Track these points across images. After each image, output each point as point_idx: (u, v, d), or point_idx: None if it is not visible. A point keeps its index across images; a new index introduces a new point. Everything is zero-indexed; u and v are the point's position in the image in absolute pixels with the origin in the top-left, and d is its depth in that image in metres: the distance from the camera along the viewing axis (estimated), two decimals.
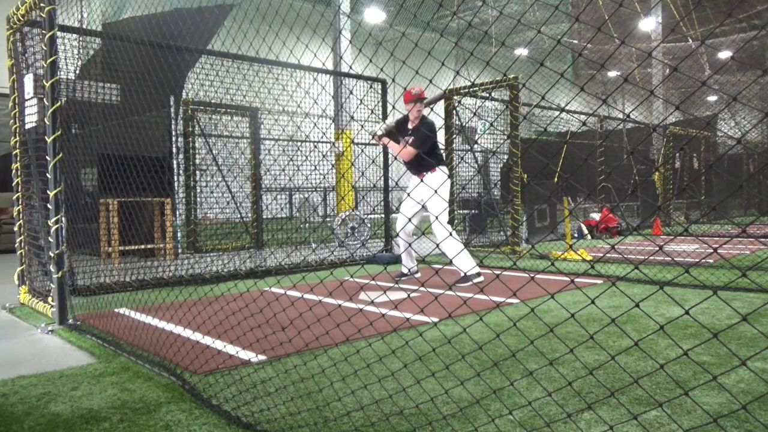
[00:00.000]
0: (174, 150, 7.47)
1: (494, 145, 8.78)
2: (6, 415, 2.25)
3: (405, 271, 5.42)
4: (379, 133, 5.22)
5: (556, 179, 9.40)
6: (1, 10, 6.16)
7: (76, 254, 4.71)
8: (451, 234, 2.91)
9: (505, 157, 8.52)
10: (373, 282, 5.06)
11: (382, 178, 7.54)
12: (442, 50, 2.10)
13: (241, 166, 8.68)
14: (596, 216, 9.96)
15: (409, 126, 5.20)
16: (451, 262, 4.80)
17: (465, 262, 4.97)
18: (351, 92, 3.43)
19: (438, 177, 5.06)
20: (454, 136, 8.20)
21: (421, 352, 2.74)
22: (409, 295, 2.24)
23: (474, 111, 8.35)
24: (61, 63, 4.99)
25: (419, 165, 5.10)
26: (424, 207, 5.03)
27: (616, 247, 7.70)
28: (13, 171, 4.64)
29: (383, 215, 7.68)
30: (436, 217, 4.83)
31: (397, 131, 5.26)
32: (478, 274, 5.05)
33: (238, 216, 8.72)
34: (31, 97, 4.21)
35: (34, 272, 4.64)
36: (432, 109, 5.17)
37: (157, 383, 2.58)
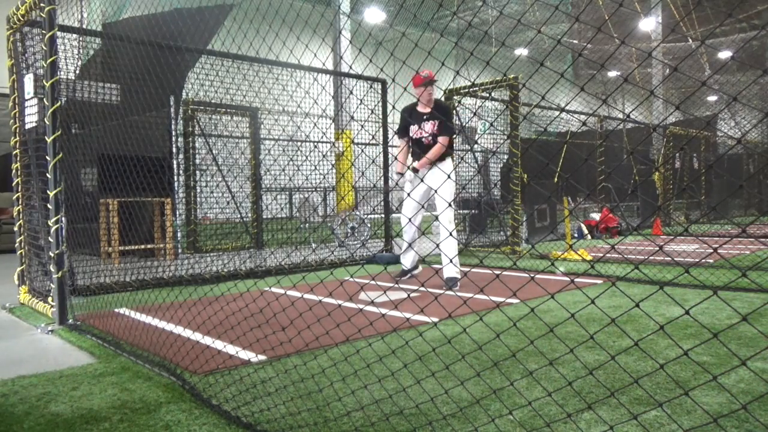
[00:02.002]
0: (174, 150, 7.47)
1: (494, 145, 8.78)
2: (6, 415, 2.25)
3: (405, 269, 5.42)
4: (415, 165, 5.08)
5: (556, 179, 9.40)
6: (1, 10, 6.16)
7: (76, 254, 4.71)
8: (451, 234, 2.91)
9: (505, 157, 8.51)
10: (373, 282, 5.06)
11: (382, 178, 7.54)
12: (442, 50, 2.10)
13: (242, 166, 8.68)
14: (596, 216, 9.96)
15: (420, 109, 5.06)
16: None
17: (453, 268, 4.95)
18: (351, 92, 3.43)
19: (449, 165, 5.04)
20: (454, 136, 8.19)
21: (421, 352, 2.74)
22: (409, 295, 2.24)
23: (474, 111, 8.35)
24: (61, 63, 5.00)
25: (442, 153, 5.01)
26: (427, 200, 5.03)
27: (616, 247, 7.70)
28: (13, 171, 4.64)
29: (383, 215, 7.68)
30: (436, 219, 4.82)
31: (408, 119, 5.13)
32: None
33: (238, 216, 8.72)
34: (31, 97, 4.21)
35: (34, 272, 4.64)
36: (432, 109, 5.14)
37: (157, 383, 2.58)
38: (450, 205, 4.25)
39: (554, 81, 1.68)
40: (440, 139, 4.99)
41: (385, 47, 2.20)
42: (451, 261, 2.78)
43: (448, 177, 4.32)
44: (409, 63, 1.92)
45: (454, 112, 8.16)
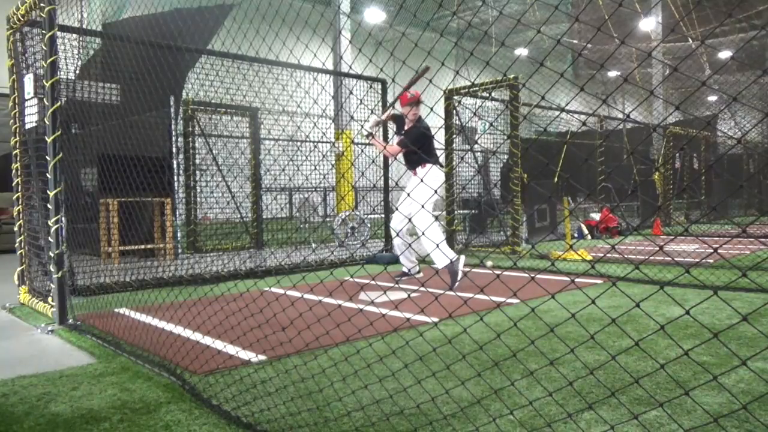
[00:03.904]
0: (174, 150, 7.46)
1: (494, 145, 8.78)
2: (6, 415, 2.25)
3: (405, 270, 5.44)
4: (370, 130, 5.39)
5: (555, 179, 9.40)
6: (1, 10, 6.16)
7: (76, 254, 4.70)
8: (422, 234, 2.94)
9: (505, 157, 8.51)
10: (373, 282, 5.05)
11: (382, 178, 7.54)
12: (442, 50, 2.10)
13: (241, 166, 8.67)
14: (596, 216, 9.96)
15: (405, 127, 5.36)
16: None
17: (441, 257, 4.96)
18: (351, 92, 3.44)
19: (426, 171, 5.12)
20: (454, 136, 8.19)
21: (422, 352, 2.73)
22: (409, 295, 2.24)
23: (474, 111, 8.35)
24: (61, 63, 4.99)
25: (410, 162, 5.28)
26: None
27: (616, 247, 7.68)
28: (13, 171, 4.64)
29: (383, 215, 7.67)
30: (410, 218, 4.97)
31: (396, 127, 5.48)
32: (454, 264, 4.95)
33: (238, 216, 8.71)
34: (31, 97, 4.21)
35: (34, 272, 4.63)
36: (431, 109, 5.17)
37: (157, 383, 2.58)
38: (431, 206, 4.31)
39: (554, 81, 1.68)
40: (395, 141, 5.36)
41: (385, 47, 2.20)
42: (431, 255, 2.78)
43: (441, 182, 4.56)
44: (409, 63, 1.92)
45: (454, 112, 8.17)
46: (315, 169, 9.58)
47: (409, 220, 3.19)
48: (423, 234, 4.81)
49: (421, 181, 4.49)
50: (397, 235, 5.26)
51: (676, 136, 12.28)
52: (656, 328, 3.18)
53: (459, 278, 4.88)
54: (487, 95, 7.98)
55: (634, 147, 11.31)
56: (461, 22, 16.28)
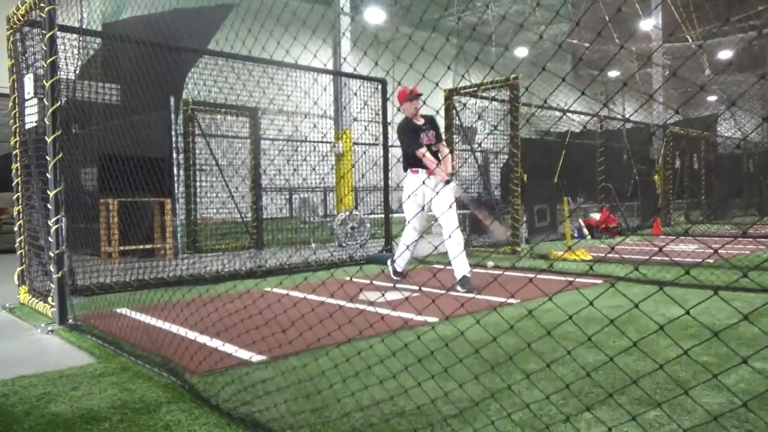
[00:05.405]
0: (174, 150, 7.46)
1: (494, 146, 8.78)
2: (6, 415, 2.25)
3: (399, 269, 5.47)
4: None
5: (556, 179, 9.39)
6: (1, 10, 6.16)
7: (76, 254, 4.70)
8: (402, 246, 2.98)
9: (506, 157, 8.51)
10: (372, 282, 5.05)
11: (382, 178, 7.54)
12: (442, 50, 2.10)
13: (239, 165, 8.66)
14: (596, 216, 9.95)
15: (416, 122, 5.16)
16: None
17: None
18: (352, 92, 3.46)
19: (406, 180, 5.17)
20: (455, 135, 8.19)
21: (421, 353, 2.73)
22: (407, 298, 2.24)
23: (473, 110, 8.35)
24: (61, 63, 4.99)
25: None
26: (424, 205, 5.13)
27: (616, 247, 7.68)
28: (13, 171, 4.64)
29: (383, 215, 7.67)
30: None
31: (414, 131, 5.17)
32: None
33: (239, 216, 8.71)
34: (31, 97, 4.21)
35: (34, 272, 4.63)
36: (438, 111, 5.15)
37: (157, 383, 2.58)
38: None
39: (556, 83, 1.68)
40: (444, 148, 5.32)
41: (386, 46, 2.20)
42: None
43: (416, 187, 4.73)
44: (409, 62, 1.92)
45: (454, 112, 8.17)
46: (315, 169, 9.57)
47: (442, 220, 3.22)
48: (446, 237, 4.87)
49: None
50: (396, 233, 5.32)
51: (676, 136, 12.28)
52: (656, 328, 3.18)
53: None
54: (489, 97, 7.99)
55: (634, 147, 11.30)
56: (462, 22, 16.27)
